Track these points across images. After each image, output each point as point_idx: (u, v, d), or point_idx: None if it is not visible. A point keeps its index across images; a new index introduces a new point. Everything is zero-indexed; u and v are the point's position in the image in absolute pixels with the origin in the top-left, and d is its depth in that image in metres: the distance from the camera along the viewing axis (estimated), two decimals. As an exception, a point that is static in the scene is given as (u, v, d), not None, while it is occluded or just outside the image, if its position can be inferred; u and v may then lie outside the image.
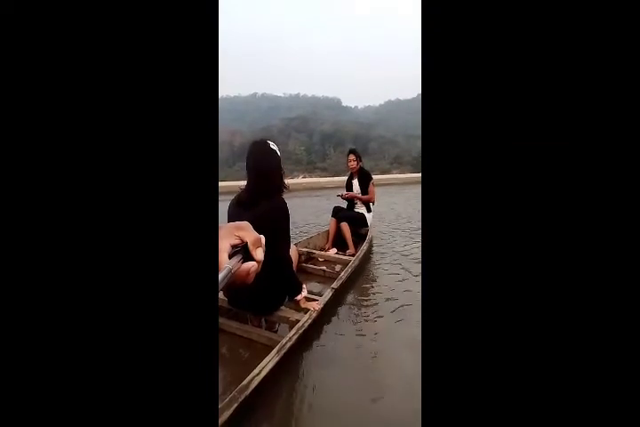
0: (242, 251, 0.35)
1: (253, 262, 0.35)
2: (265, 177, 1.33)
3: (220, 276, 0.30)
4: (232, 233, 0.36)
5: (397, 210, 5.37)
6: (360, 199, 3.03)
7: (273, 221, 1.28)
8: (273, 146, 1.34)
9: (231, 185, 5.34)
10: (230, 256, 0.34)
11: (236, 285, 0.35)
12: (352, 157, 3.01)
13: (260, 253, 0.37)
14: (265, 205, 1.29)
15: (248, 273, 0.35)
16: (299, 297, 1.43)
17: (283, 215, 1.32)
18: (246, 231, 0.36)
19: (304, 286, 1.48)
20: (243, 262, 0.34)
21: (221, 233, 0.35)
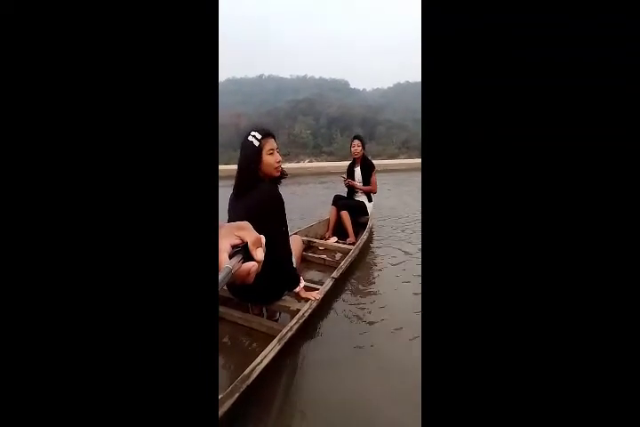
0: (242, 251, 0.35)
1: (254, 262, 0.35)
2: (240, 168, 1.35)
3: (220, 276, 0.30)
4: (232, 233, 0.36)
5: (412, 204, 4.47)
6: (361, 189, 2.97)
7: (262, 210, 1.26)
8: (251, 137, 1.32)
9: (235, 169, 5.24)
10: (230, 256, 0.34)
11: (236, 284, 0.32)
12: (357, 142, 2.93)
13: (260, 253, 0.36)
14: (252, 196, 1.28)
15: (248, 273, 0.35)
16: (297, 289, 1.40)
17: (269, 204, 1.28)
18: (247, 231, 0.36)
19: (301, 277, 1.44)
20: (243, 262, 0.34)
21: (221, 233, 0.35)
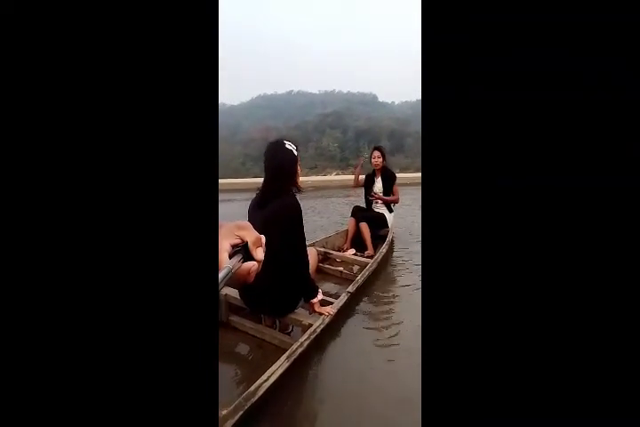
0: (242, 250, 0.35)
1: (253, 262, 0.36)
2: (278, 177, 1.30)
3: (220, 276, 0.30)
4: (232, 233, 0.36)
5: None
6: (387, 201, 2.90)
7: (283, 220, 1.24)
8: (289, 146, 1.30)
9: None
10: (230, 256, 0.34)
11: (236, 284, 0.33)
12: (377, 153, 2.89)
13: (260, 253, 0.36)
14: (275, 205, 1.26)
15: (248, 273, 0.35)
16: (314, 300, 1.36)
17: (292, 214, 1.27)
18: (246, 231, 0.36)
19: (320, 290, 1.40)
20: (243, 262, 0.35)
21: (221, 233, 0.35)
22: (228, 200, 6.91)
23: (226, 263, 0.32)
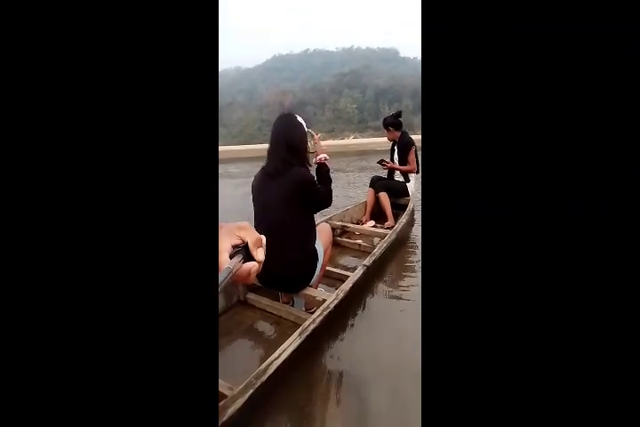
0: (242, 251, 0.35)
1: (254, 262, 0.35)
2: (287, 149, 1.33)
3: (221, 276, 0.30)
4: (233, 233, 0.36)
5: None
6: (400, 170, 2.75)
7: (300, 191, 1.27)
8: (300, 119, 1.35)
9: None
10: (231, 256, 0.34)
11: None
12: (387, 132, 2.77)
13: (260, 254, 0.36)
14: (291, 176, 1.28)
15: (249, 273, 0.35)
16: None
17: (308, 186, 1.29)
18: (247, 231, 0.37)
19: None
20: (243, 262, 0.34)
21: (222, 233, 0.36)
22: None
23: (226, 264, 0.32)
